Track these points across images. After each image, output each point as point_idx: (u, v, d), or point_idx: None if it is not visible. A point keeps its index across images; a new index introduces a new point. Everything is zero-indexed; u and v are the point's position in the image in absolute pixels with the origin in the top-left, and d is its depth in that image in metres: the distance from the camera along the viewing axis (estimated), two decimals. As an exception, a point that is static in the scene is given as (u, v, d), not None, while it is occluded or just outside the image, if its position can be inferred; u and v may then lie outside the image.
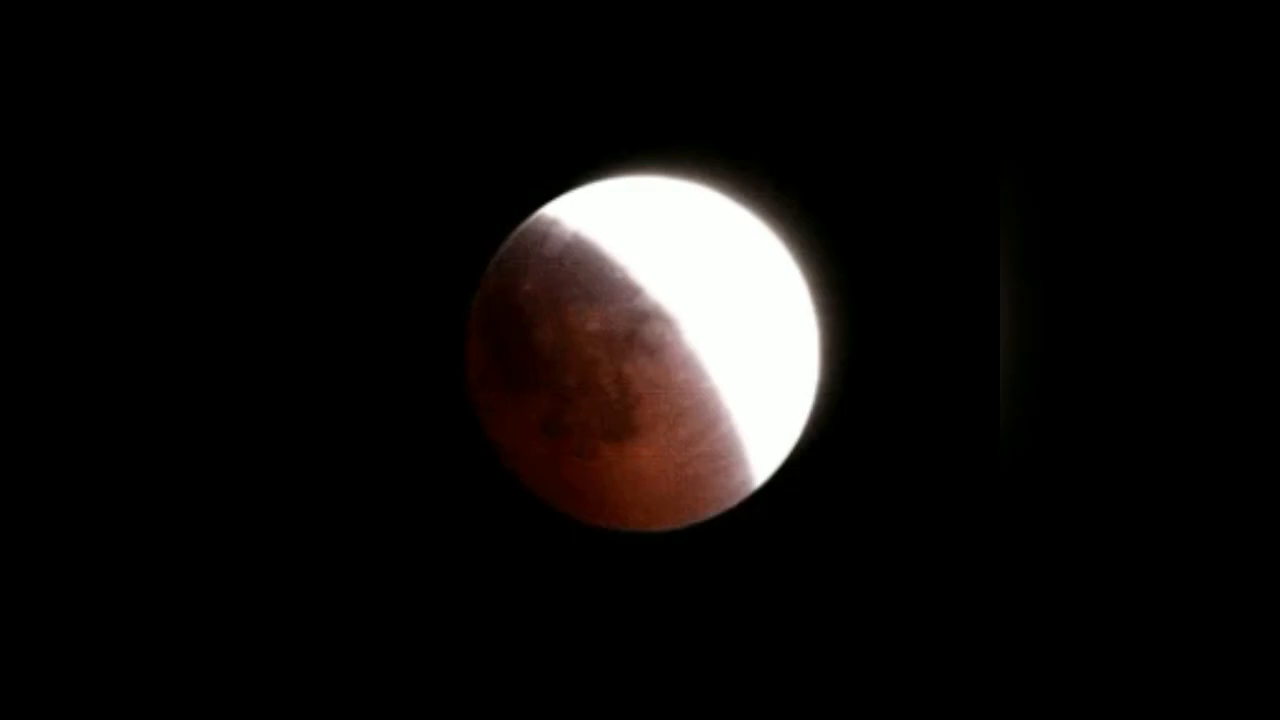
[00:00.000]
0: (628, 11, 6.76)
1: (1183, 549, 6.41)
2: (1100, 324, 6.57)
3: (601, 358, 5.74)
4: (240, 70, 6.72)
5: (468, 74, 6.78)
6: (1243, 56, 6.49)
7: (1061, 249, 6.66)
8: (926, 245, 6.76)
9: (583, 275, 5.81)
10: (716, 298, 5.83)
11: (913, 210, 6.76)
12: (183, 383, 6.69)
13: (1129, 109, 6.62)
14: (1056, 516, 6.53)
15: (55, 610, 6.55)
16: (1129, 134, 6.63)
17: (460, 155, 6.77)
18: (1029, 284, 6.63)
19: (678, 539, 6.36)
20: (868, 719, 6.50)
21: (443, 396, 6.46)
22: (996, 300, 6.66)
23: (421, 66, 6.75)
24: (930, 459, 6.65)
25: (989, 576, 6.52)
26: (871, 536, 6.60)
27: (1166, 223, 6.60)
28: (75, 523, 6.58)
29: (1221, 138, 6.55)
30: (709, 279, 5.84)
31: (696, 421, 5.79)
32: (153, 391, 6.67)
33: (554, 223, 6.03)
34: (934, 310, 6.72)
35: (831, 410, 6.43)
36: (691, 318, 5.76)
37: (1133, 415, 6.55)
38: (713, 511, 6.22)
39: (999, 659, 6.42)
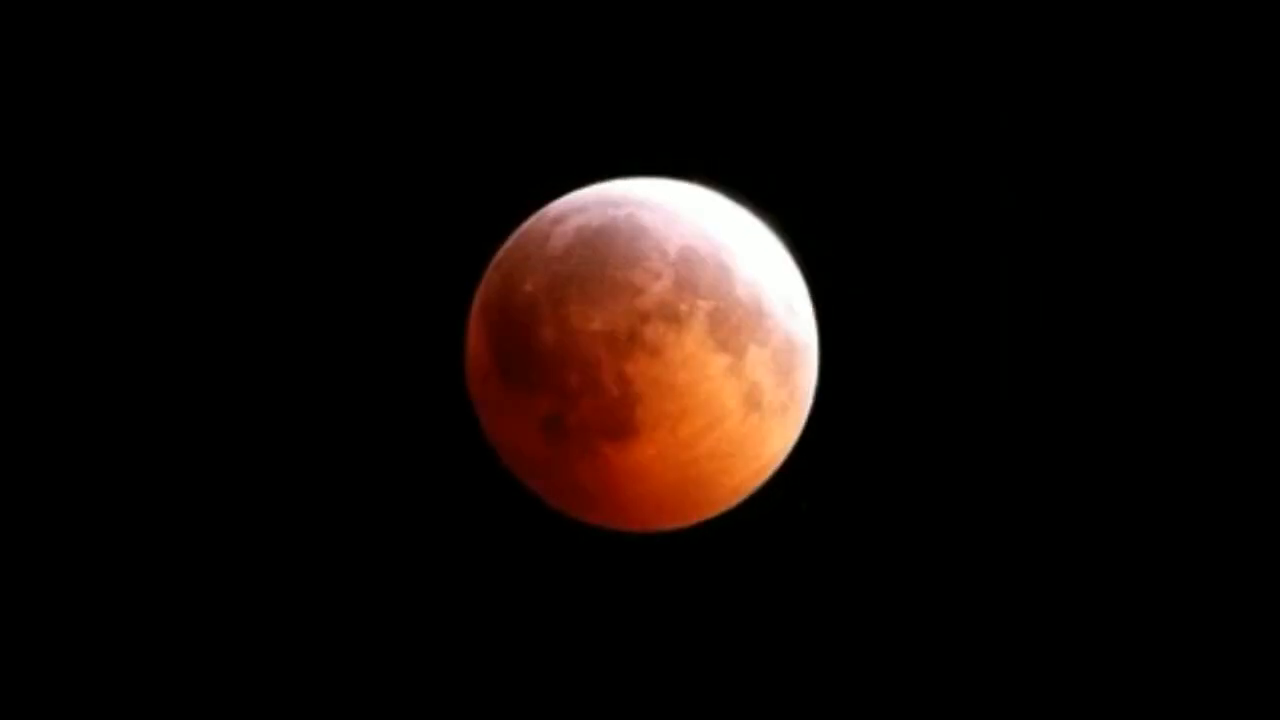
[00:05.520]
0: (631, 14, 6.76)
1: (1183, 557, 6.42)
2: (1099, 324, 6.58)
3: (603, 357, 5.73)
4: (246, 71, 6.72)
5: (471, 74, 6.78)
6: (1242, 57, 6.50)
7: (1061, 248, 6.66)
8: (927, 245, 6.77)
9: (584, 274, 5.80)
10: (718, 297, 5.82)
11: (913, 211, 6.77)
12: (183, 382, 6.68)
13: (1129, 110, 6.63)
14: (1055, 516, 6.53)
15: (56, 609, 6.54)
16: (1128, 135, 6.63)
17: (462, 155, 6.77)
18: (1028, 285, 6.64)
19: (680, 539, 6.37)
20: (865, 717, 6.49)
21: (444, 396, 6.46)
22: (997, 301, 6.66)
23: (424, 66, 6.75)
24: (930, 458, 6.65)
25: (989, 576, 6.52)
26: (872, 536, 6.61)
27: (1166, 224, 6.61)
28: (69, 519, 6.57)
29: (1221, 139, 6.56)
30: (710, 278, 5.84)
31: (699, 421, 5.78)
32: (152, 391, 6.66)
33: (556, 221, 6.03)
34: (935, 310, 6.72)
35: (833, 409, 6.44)
36: (693, 317, 5.76)
37: (1130, 413, 6.55)
38: (715, 511, 6.22)
39: (998, 659, 6.42)
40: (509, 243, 6.19)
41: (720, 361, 5.79)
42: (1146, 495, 6.47)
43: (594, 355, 5.74)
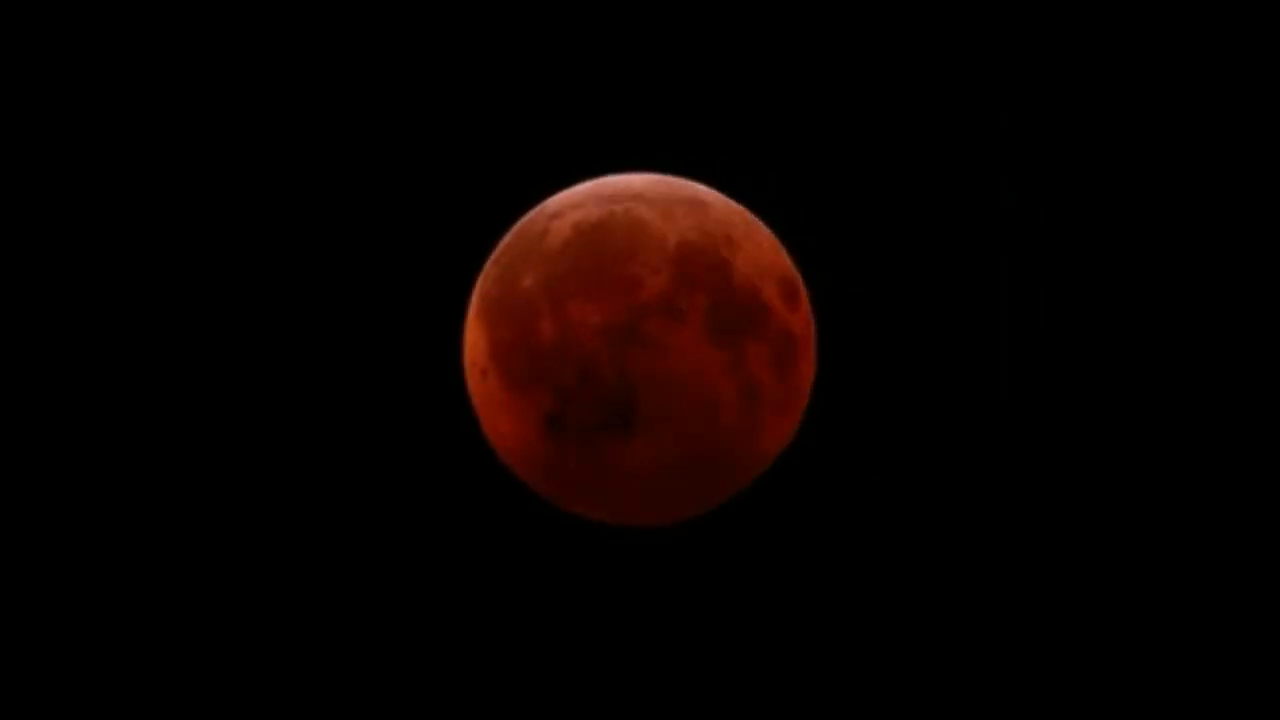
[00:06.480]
0: (630, 12, 6.78)
1: (1184, 556, 6.41)
2: (1099, 330, 6.58)
3: (602, 352, 5.73)
4: (246, 71, 6.74)
5: (470, 71, 6.80)
6: (1242, 57, 6.51)
7: (1060, 248, 6.67)
8: (926, 242, 6.78)
9: (583, 269, 5.80)
10: (717, 291, 5.82)
11: (913, 207, 6.78)
12: (181, 381, 6.69)
13: (1128, 110, 6.63)
14: (1054, 514, 6.53)
15: (56, 610, 6.54)
16: (1127, 135, 6.64)
17: (461, 151, 6.78)
18: (1027, 280, 6.64)
19: (679, 534, 6.36)
20: (865, 717, 6.48)
21: (442, 394, 6.45)
22: (996, 297, 6.66)
23: (424, 64, 6.77)
24: (929, 453, 6.65)
25: (988, 571, 6.52)
26: (871, 530, 6.60)
27: (1163, 220, 6.61)
28: (69, 519, 6.57)
29: (1220, 140, 6.57)
30: (709, 272, 5.84)
31: (697, 416, 5.77)
32: (150, 390, 6.67)
33: (554, 217, 6.03)
34: (934, 306, 6.73)
35: (832, 404, 6.45)
36: (693, 312, 5.76)
37: (1128, 411, 6.55)
38: (713, 506, 6.21)
39: (998, 659, 6.42)
40: (507, 238, 6.20)
41: (719, 356, 5.78)
42: (1144, 486, 6.47)
43: (593, 350, 5.73)
